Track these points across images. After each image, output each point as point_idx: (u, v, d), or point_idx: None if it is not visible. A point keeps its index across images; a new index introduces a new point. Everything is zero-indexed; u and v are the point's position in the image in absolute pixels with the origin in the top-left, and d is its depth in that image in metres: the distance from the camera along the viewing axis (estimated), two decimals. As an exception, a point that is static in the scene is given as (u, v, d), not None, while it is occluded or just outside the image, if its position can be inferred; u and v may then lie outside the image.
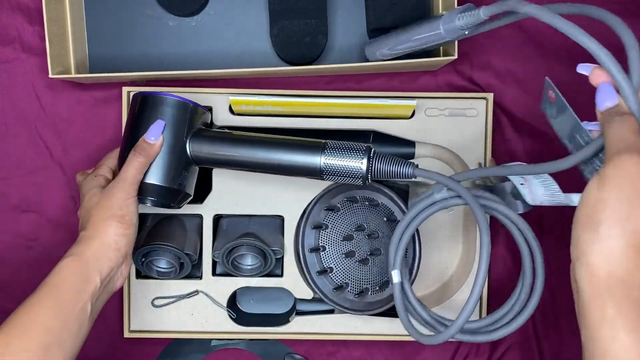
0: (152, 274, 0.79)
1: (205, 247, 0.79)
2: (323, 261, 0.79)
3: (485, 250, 0.61)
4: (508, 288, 0.83)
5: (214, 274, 0.80)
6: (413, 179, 0.64)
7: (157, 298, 0.80)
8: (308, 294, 0.79)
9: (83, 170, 0.78)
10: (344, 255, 0.78)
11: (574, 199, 0.58)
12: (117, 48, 0.82)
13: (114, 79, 0.80)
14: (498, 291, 0.83)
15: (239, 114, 0.78)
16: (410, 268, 0.72)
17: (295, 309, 0.81)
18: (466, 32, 0.62)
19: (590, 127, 0.54)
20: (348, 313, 0.77)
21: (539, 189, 0.61)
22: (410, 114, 0.78)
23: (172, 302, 0.80)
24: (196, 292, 0.80)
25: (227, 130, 0.73)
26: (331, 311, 0.80)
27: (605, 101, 0.50)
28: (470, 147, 0.79)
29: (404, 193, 0.76)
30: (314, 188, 0.78)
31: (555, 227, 0.82)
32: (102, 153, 0.81)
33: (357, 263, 0.78)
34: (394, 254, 0.67)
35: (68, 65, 0.79)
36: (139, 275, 0.80)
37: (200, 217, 0.79)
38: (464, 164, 0.79)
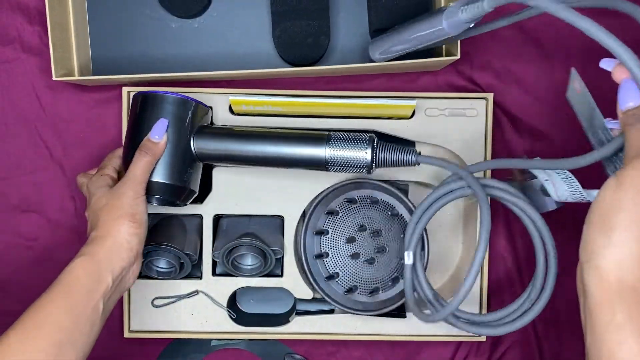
0: (152, 274, 0.78)
1: (205, 247, 0.79)
2: (327, 267, 0.79)
3: (485, 227, 0.61)
4: (507, 288, 0.84)
5: (214, 274, 0.80)
6: (415, 178, 0.65)
7: (157, 298, 0.80)
8: (308, 294, 0.79)
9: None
10: (349, 258, 0.78)
11: (595, 195, 0.57)
12: (119, 50, 0.82)
13: (116, 81, 0.80)
14: (497, 292, 0.83)
15: (239, 114, 0.78)
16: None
17: (295, 309, 0.81)
18: (470, 26, 0.60)
19: (611, 125, 0.52)
20: (362, 315, 0.77)
21: (562, 185, 0.60)
22: (410, 114, 0.78)
23: (172, 302, 0.80)
24: (196, 292, 0.80)
25: (230, 126, 0.73)
26: (331, 311, 0.80)
27: (627, 101, 0.48)
28: (470, 147, 0.79)
29: (403, 192, 0.76)
30: (313, 188, 0.78)
31: (556, 226, 0.82)
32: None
33: (364, 263, 0.78)
34: (410, 235, 0.67)
35: (71, 68, 0.79)
36: (139, 275, 0.80)
37: (200, 217, 0.79)
38: (463, 164, 0.79)
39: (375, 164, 0.65)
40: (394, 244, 0.78)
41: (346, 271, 0.78)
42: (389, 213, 0.77)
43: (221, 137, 0.69)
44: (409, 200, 0.75)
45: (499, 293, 0.83)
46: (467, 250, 0.81)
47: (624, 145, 0.46)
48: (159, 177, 0.67)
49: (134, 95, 0.71)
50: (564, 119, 0.83)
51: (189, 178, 0.70)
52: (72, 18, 0.79)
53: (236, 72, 0.76)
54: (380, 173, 0.77)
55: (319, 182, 0.78)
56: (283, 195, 0.79)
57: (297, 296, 0.80)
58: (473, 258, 0.61)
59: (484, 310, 0.80)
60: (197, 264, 0.80)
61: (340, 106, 0.76)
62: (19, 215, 0.83)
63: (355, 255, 0.78)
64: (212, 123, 0.78)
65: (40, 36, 0.82)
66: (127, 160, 0.69)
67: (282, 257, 0.79)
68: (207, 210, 0.79)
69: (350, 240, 0.78)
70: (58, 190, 0.83)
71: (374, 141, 0.65)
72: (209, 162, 0.71)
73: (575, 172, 0.60)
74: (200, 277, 0.80)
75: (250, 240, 0.75)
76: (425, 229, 0.70)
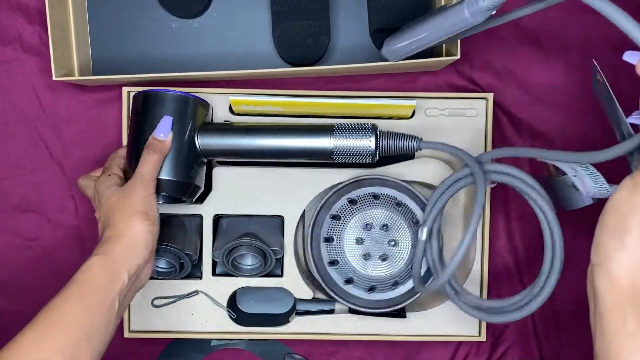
0: (152, 274, 0.78)
1: (205, 247, 0.79)
2: (341, 273, 0.78)
3: (480, 195, 0.64)
4: (505, 283, 0.84)
5: (214, 274, 0.80)
6: (422, 179, 0.65)
7: (157, 298, 0.80)
8: (308, 294, 0.80)
9: (83, 170, 0.78)
10: (362, 260, 0.77)
11: None
12: (119, 50, 0.82)
13: (116, 81, 0.80)
14: (495, 287, 0.83)
15: (239, 114, 0.78)
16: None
17: (295, 309, 0.81)
18: (493, 13, 0.58)
19: (632, 120, 0.51)
20: (388, 311, 0.77)
21: (588, 180, 0.60)
22: (410, 114, 0.79)
23: (172, 302, 0.80)
24: (196, 292, 0.80)
25: (234, 122, 0.74)
26: (331, 311, 0.80)
27: None
28: (470, 147, 0.79)
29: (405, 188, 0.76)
30: (313, 188, 0.78)
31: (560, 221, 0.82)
32: (102, 153, 0.82)
33: (377, 261, 0.77)
34: (428, 212, 0.69)
35: (71, 68, 0.79)
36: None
37: (200, 217, 0.79)
38: (462, 163, 0.79)
39: (379, 151, 0.67)
40: (403, 233, 0.77)
41: (360, 273, 0.77)
42: (393, 205, 0.77)
43: (226, 132, 0.71)
44: (413, 188, 0.75)
45: (497, 289, 0.83)
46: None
47: None
48: (165, 174, 0.68)
49: (135, 95, 0.72)
50: (564, 119, 0.83)
51: (195, 174, 0.71)
52: (72, 18, 0.79)
53: (236, 72, 0.76)
54: (383, 173, 0.77)
55: (319, 182, 0.78)
56: (283, 195, 0.79)
57: (297, 296, 0.80)
58: (469, 221, 0.63)
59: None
60: (197, 264, 0.80)
61: (340, 106, 0.76)
62: (19, 215, 0.83)
63: (367, 256, 0.77)
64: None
65: (40, 36, 0.82)
66: (131, 160, 0.69)
67: (282, 257, 0.79)
68: (207, 210, 0.79)
69: (359, 241, 0.77)
70: (58, 190, 0.83)
71: (376, 129, 0.68)
72: (213, 158, 0.72)
73: (604, 168, 0.59)
74: (200, 277, 0.80)
75: (250, 240, 0.75)
76: (442, 212, 0.71)
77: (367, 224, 0.77)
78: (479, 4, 0.57)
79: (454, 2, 0.61)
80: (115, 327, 0.62)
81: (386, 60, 0.75)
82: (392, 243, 0.77)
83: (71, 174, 0.83)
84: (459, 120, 0.79)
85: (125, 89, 0.78)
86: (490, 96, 0.79)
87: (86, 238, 0.83)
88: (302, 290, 0.80)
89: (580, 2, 0.51)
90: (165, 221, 0.80)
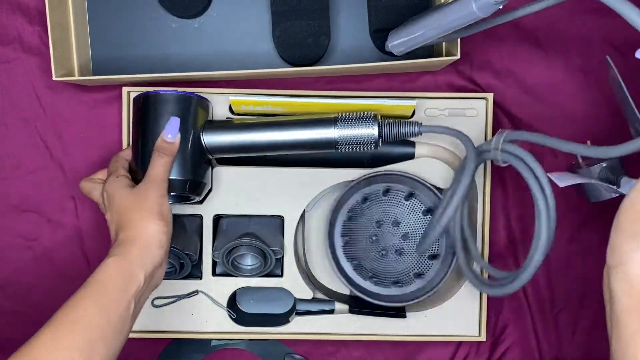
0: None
1: (205, 247, 0.79)
2: (363, 273, 0.79)
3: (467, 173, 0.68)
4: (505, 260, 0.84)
5: (214, 274, 0.80)
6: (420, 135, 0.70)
7: (157, 298, 0.80)
8: (308, 294, 0.80)
9: (83, 170, 0.78)
10: (380, 257, 0.79)
11: None
12: (119, 50, 0.82)
13: (116, 81, 0.80)
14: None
15: (239, 114, 0.78)
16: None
17: (295, 309, 0.81)
18: (500, 7, 0.57)
19: None
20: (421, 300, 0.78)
21: None
22: (410, 114, 0.79)
23: (172, 302, 0.80)
24: (196, 292, 0.80)
25: (235, 118, 0.75)
26: (331, 311, 0.80)
27: None
28: (470, 147, 0.79)
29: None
30: (313, 188, 0.78)
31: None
32: (102, 153, 0.82)
33: (394, 256, 0.79)
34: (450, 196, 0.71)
35: (71, 68, 0.79)
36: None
37: (200, 217, 0.79)
38: (462, 161, 0.79)
39: (382, 139, 0.69)
40: (415, 223, 0.78)
41: (382, 270, 0.79)
42: (402, 198, 0.78)
43: (231, 128, 0.71)
44: (422, 179, 0.77)
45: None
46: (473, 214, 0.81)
47: None
48: (175, 174, 0.69)
49: (135, 97, 0.72)
50: (564, 119, 0.83)
51: (203, 172, 0.72)
52: (72, 18, 0.79)
53: (236, 72, 0.76)
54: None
55: (319, 183, 0.78)
56: (283, 195, 0.79)
57: (297, 296, 0.80)
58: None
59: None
60: (197, 264, 0.80)
61: (340, 106, 0.76)
62: (19, 215, 0.83)
63: (383, 254, 0.78)
64: (212, 120, 0.79)
65: (40, 36, 0.82)
66: (138, 163, 0.69)
67: (282, 257, 0.79)
68: (207, 210, 0.79)
69: (373, 239, 0.78)
70: (58, 190, 0.83)
71: (378, 118, 0.69)
72: (219, 154, 0.72)
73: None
74: (200, 277, 0.80)
75: (250, 240, 0.75)
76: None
77: (378, 221, 0.78)
78: None
79: None
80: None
81: (388, 52, 0.76)
82: (406, 237, 0.78)
83: (71, 174, 0.83)
84: (459, 120, 0.79)
85: (125, 89, 0.78)
86: (490, 96, 0.79)
87: (86, 238, 0.83)
88: (302, 290, 0.80)
89: (580, 2, 0.51)
90: (165, 221, 0.80)
